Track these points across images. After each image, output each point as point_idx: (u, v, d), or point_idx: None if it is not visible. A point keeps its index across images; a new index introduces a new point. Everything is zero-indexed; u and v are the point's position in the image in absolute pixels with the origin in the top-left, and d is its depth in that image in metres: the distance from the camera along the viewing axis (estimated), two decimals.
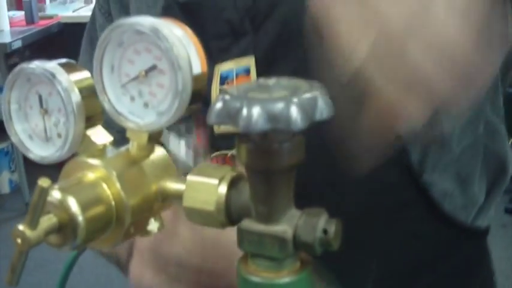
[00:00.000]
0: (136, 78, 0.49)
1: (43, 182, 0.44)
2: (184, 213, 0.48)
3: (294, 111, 0.42)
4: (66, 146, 0.51)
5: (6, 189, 4.21)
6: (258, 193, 0.46)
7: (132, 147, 0.51)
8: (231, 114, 0.43)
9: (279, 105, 0.42)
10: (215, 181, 0.48)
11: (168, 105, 0.47)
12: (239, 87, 0.46)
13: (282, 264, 0.47)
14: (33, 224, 0.44)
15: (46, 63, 0.52)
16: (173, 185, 0.50)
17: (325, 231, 0.45)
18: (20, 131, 0.54)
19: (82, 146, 0.51)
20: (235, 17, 0.74)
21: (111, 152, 0.51)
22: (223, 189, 0.47)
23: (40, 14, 3.45)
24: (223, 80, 0.74)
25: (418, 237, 0.81)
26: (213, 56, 0.73)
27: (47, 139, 0.53)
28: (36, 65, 0.52)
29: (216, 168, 0.49)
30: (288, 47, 0.73)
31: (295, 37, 0.71)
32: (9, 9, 3.38)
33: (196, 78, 0.47)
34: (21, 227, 0.44)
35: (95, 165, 0.49)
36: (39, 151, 0.53)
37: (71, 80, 0.51)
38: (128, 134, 0.50)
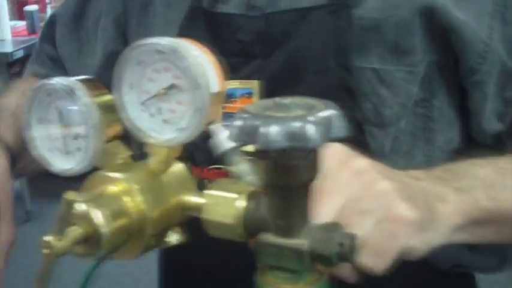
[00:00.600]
0: (155, 95, 0.50)
1: (69, 195, 0.46)
2: (204, 224, 0.50)
3: (311, 129, 0.43)
4: (86, 159, 0.53)
5: None
6: (277, 208, 0.48)
7: (152, 161, 0.52)
8: (249, 132, 0.45)
9: (297, 124, 0.44)
10: (234, 195, 0.49)
11: (188, 122, 0.49)
12: (256, 105, 0.48)
13: (300, 276, 0.48)
14: (60, 235, 0.45)
15: (66, 79, 0.53)
16: (192, 198, 0.51)
17: (341, 245, 0.47)
18: (40, 145, 0.55)
19: (102, 160, 0.53)
20: (246, 39, 0.76)
21: (130, 166, 0.53)
22: (241, 203, 0.49)
23: (42, 24, 3.46)
24: (228, 97, 0.75)
25: None
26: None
27: (67, 152, 0.54)
28: (57, 81, 0.53)
29: (235, 183, 0.51)
30: (294, 79, 0.74)
31: (301, 70, 0.74)
32: (11, 19, 3.39)
33: (214, 96, 0.48)
34: (48, 238, 0.46)
35: (117, 179, 0.51)
36: (60, 164, 0.54)
37: (90, 96, 0.52)
38: (148, 149, 0.52)
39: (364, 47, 0.72)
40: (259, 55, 0.76)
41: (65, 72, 0.94)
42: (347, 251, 0.46)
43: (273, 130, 0.43)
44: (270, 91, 0.74)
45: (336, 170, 0.53)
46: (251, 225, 0.49)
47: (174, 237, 0.53)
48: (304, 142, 0.44)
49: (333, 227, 0.48)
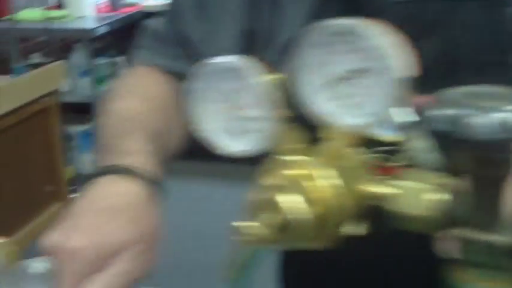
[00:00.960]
0: (340, 79, 0.47)
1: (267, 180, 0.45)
2: (391, 217, 0.47)
3: None
4: (262, 141, 0.50)
5: (89, 170, 4.30)
6: (482, 201, 0.45)
7: (333, 146, 0.49)
8: (457, 121, 0.42)
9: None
10: (427, 186, 0.46)
11: (375, 107, 0.46)
12: (454, 93, 0.45)
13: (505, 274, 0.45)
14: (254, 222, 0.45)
15: (230, 58, 0.51)
16: (377, 187, 0.49)
17: None
18: (209, 127, 0.53)
19: (277, 143, 0.51)
20: (392, 23, 0.73)
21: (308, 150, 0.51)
22: (436, 195, 0.46)
23: (123, 1, 3.47)
24: None
25: None
26: None
27: (240, 134, 0.52)
28: (227, 60, 0.51)
29: (422, 174, 0.48)
30: (445, 71, 0.71)
31: (453, 64, 0.71)
32: None
33: (403, 80, 0.45)
34: (245, 225, 0.45)
35: (306, 163, 0.49)
36: (232, 146, 0.53)
37: (265, 76, 0.50)
38: (327, 134, 0.49)
39: None
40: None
41: (189, 61, 0.83)
42: None
43: (489, 121, 0.41)
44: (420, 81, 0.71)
45: None
46: (448, 218, 0.46)
47: (353, 228, 0.50)
48: None
49: None
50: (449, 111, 0.43)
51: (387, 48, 0.45)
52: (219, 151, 0.53)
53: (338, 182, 0.48)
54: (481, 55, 0.70)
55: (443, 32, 0.71)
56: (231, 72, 0.51)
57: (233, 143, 0.52)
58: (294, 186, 0.47)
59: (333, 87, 0.47)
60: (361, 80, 0.46)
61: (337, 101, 0.47)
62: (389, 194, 0.47)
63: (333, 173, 0.48)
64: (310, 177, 0.48)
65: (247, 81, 0.50)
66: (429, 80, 0.68)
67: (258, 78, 0.50)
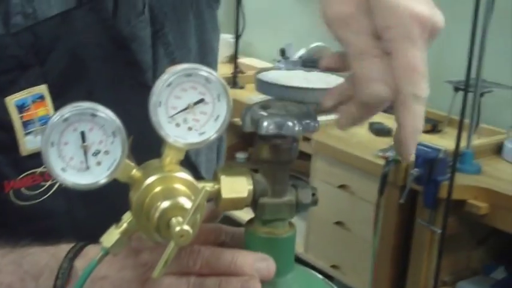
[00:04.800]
0: (185, 109, 0.62)
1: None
2: (222, 204, 0.65)
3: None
4: (108, 172, 0.61)
5: None
6: (277, 177, 0.67)
7: (168, 161, 0.64)
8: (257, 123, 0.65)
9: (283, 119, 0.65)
10: (244, 176, 0.66)
11: (209, 128, 0.63)
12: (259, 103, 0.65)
13: (285, 224, 0.69)
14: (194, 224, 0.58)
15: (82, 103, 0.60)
16: (212, 185, 0.66)
17: (313, 194, 0.69)
18: (54, 166, 0.60)
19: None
20: (20, 53, 0.80)
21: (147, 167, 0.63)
22: (251, 181, 0.66)
23: None
24: (20, 108, 0.81)
25: None
26: (2, 89, 0.80)
27: (86, 169, 0.61)
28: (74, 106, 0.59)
29: (237, 168, 0.67)
30: (80, 73, 0.84)
31: (85, 64, 0.84)
32: None
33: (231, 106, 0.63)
34: (186, 227, 0.57)
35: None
36: (75, 179, 0.61)
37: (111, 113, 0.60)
38: (167, 151, 0.63)
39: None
40: (36, 63, 0.82)
41: None
42: (317, 198, 0.69)
43: (271, 121, 0.64)
44: (58, 93, 0.83)
45: None
46: (257, 194, 0.67)
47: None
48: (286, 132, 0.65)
49: (304, 185, 0.69)
50: (254, 116, 0.65)
51: (221, 83, 0.62)
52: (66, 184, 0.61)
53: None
54: (105, 48, 0.86)
55: (64, 43, 0.83)
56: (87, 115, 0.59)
57: (77, 177, 0.61)
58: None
59: (180, 116, 0.62)
60: (199, 109, 0.62)
61: (182, 125, 0.62)
62: (218, 188, 0.65)
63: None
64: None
65: (99, 122, 0.60)
66: (65, 84, 0.82)
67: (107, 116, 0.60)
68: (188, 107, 0.62)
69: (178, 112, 0.62)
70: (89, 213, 0.85)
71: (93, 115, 0.60)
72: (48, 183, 0.83)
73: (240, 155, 3.68)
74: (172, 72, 0.61)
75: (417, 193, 2.47)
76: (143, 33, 0.89)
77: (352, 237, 2.94)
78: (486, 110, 2.68)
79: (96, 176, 0.61)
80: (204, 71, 0.61)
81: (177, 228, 0.57)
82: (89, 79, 0.84)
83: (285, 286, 0.69)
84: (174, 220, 0.58)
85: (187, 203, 0.60)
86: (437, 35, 0.61)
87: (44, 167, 0.64)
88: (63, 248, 0.72)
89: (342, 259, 3.02)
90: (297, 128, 0.64)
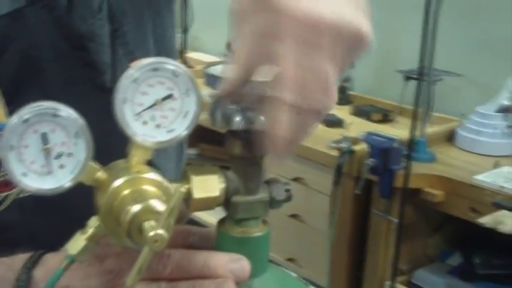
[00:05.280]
0: (152, 106, 0.58)
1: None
2: (192, 204, 0.62)
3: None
4: (71, 176, 0.58)
5: None
6: (249, 173, 0.64)
7: (135, 161, 0.60)
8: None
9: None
10: (216, 175, 0.63)
11: (179, 124, 0.60)
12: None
13: (258, 222, 0.66)
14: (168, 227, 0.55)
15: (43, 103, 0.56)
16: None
17: (287, 190, 0.67)
18: (15, 171, 0.56)
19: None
20: None
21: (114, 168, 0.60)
22: (222, 179, 0.63)
23: None
24: None
25: None
26: None
27: (48, 173, 0.57)
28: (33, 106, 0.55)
29: (206, 167, 0.64)
30: (34, 75, 0.79)
31: (39, 66, 0.79)
32: None
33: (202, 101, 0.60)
34: (161, 231, 0.54)
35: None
36: (37, 185, 0.57)
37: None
38: (133, 151, 0.60)
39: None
40: None
41: None
42: (291, 194, 0.67)
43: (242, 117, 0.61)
44: (12, 95, 0.78)
45: None
46: (229, 193, 0.64)
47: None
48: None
49: (276, 180, 0.67)
50: (224, 111, 0.62)
51: (190, 77, 0.59)
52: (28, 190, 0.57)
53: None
54: (59, 48, 0.81)
55: (16, 44, 0.78)
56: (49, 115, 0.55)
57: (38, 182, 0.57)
58: None
59: (148, 113, 0.58)
60: (167, 105, 0.59)
61: (149, 123, 0.59)
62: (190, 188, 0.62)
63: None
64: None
65: (61, 123, 0.56)
66: (19, 86, 0.77)
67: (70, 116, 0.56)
68: (156, 104, 0.59)
69: (146, 109, 0.59)
70: (46, 225, 0.80)
71: (55, 115, 0.56)
72: (3, 195, 0.78)
73: (191, 151, 3.64)
74: (138, 67, 0.57)
75: (372, 183, 2.46)
76: (101, 31, 0.85)
77: (308, 229, 2.93)
78: (437, 98, 2.69)
79: (59, 180, 0.57)
80: (171, 64, 0.58)
81: (151, 233, 0.54)
82: (43, 81, 0.80)
83: (261, 286, 0.66)
84: (146, 224, 0.55)
85: (159, 206, 0.57)
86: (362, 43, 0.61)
87: None
88: (20, 258, 0.68)
89: (298, 252, 3.01)
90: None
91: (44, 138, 0.56)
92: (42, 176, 0.57)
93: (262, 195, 0.65)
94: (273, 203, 0.66)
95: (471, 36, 2.89)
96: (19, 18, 0.77)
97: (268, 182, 0.67)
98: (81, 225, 0.61)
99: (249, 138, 0.63)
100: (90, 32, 0.83)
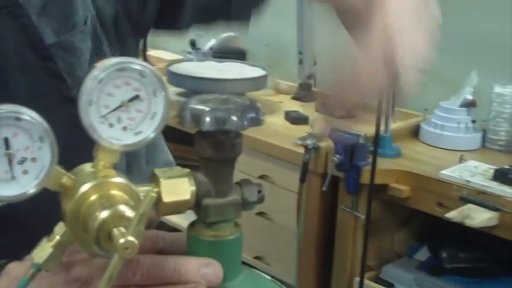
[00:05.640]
0: (119, 107, 0.56)
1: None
2: (162, 209, 0.60)
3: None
4: (36, 182, 0.55)
5: None
6: (221, 175, 0.62)
7: (102, 165, 0.58)
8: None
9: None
10: (185, 177, 0.61)
11: (146, 126, 0.58)
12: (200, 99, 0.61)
13: (230, 224, 0.64)
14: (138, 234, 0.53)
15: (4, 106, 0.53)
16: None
17: (259, 191, 0.65)
18: None
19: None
20: None
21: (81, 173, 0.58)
22: (193, 182, 0.61)
23: None
24: None
25: None
26: None
27: (11, 179, 0.55)
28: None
29: (176, 169, 0.61)
30: (12, 75, 0.78)
31: (4, 75, 0.77)
32: None
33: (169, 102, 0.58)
34: (131, 238, 0.52)
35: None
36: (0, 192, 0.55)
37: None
38: (100, 155, 0.57)
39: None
40: None
41: None
42: (264, 195, 0.65)
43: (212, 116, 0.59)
44: None
45: None
46: (199, 196, 0.62)
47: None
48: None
49: (248, 182, 0.65)
50: (194, 112, 0.60)
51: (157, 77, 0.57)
52: None
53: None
54: (24, 56, 0.79)
55: None
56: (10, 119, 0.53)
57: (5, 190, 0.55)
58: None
59: (114, 115, 0.56)
60: (134, 106, 0.57)
61: (116, 125, 0.57)
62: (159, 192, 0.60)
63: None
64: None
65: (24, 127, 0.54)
66: None
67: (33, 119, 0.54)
68: (122, 105, 0.57)
69: (112, 111, 0.57)
70: (6, 239, 0.78)
71: (17, 119, 0.54)
72: None
73: None
74: (103, 68, 0.55)
75: (339, 180, 2.45)
76: (82, 45, 0.82)
77: (275, 227, 2.91)
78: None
79: (23, 186, 0.55)
80: (137, 64, 0.56)
81: (121, 240, 0.52)
82: (8, 91, 0.77)
83: None
84: (116, 231, 0.53)
85: (128, 211, 0.55)
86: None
87: None
88: None
89: (266, 250, 2.99)
90: (241, 123, 0.60)
91: (6, 143, 0.54)
92: (5, 182, 0.54)
93: (234, 197, 0.64)
94: (245, 204, 0.64)
95: None
96: None
97: (240, 183, 0.65)
98: (38, 239, 0.59)
99: (220, 139, 0.61)
100: (71, 43, 0.81)
